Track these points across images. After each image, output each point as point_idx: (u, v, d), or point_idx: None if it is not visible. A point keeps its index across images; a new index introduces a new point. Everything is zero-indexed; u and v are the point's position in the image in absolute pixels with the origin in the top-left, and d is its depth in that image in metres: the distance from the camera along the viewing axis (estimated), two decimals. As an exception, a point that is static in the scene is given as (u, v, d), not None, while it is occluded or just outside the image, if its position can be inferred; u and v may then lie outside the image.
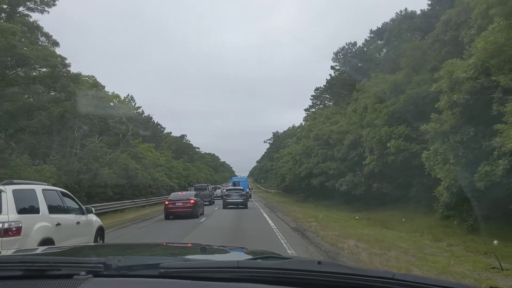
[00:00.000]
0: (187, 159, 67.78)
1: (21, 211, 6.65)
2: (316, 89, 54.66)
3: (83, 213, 9.02)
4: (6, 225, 6.30)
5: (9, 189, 6.63)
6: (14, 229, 6.36)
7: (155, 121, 65.05)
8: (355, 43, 37.95)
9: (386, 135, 16.31)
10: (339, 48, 39.42)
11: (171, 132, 72.86)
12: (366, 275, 1.41)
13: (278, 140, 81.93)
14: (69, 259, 1.69)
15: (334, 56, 39.29)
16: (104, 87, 35.17)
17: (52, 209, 7.60)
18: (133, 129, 46.57)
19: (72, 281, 1.40)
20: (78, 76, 25.17)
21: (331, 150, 27.05)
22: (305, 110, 56.08)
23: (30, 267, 1.52)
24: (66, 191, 8.94)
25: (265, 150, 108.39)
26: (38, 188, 7.50)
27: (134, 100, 58.92)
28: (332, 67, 39.46)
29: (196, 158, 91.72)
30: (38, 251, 2.09)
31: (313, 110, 55.89)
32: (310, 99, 55.27)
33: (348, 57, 37.29)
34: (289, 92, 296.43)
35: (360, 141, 22.53)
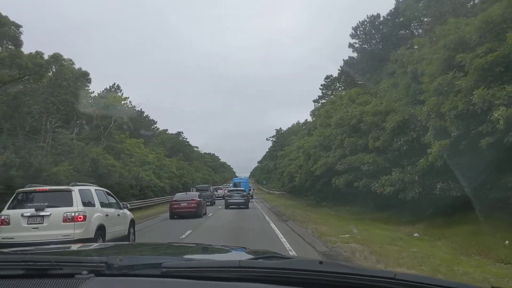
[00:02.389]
0: (182, 157, 60.14)
1: (84, 204, 9.03)
2: (327, 77, 47.76)
3: (120, 208, 11.34)
4: (76, 214, 8.74)
5: (76, 189, 9.13)
6: (81, 216, 8.78)
7: (145, 114, 56.69)
8: (378, 15, 29.98)
9: (482, 102, 7.67)
10: (359, 22, 32.39)
11: (167, 130, 65.00)
12: (367, 275, 1.38)
13: (282, 138, 75.28)
14: (71, 259, 1.68)
15: (352, 32, 32.33)
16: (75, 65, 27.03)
17: (102, 204, 10.02)
18: (116, 121, 40.77)
19: (74, 280, 1.39)
20: (17, 37, 16.54)
21: (362, 138, 18.31)
22: (314, 101, 48.53)
23: (32, 266, 1.50)
24: (109, 191, 11.43)
25: (267, 150, 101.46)
26: (92, 188, 10.16)
27: (121, 90, 50.10)
28: (350, 45, 31.90)
29: (194, 158, 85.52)
30: (40, 250, 2.15)
31: (323, 101, 47.43)
32: (320, 88, 48.28)
33: (375, 27, 29.12)
34: (291, 93, 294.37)
35: (415, 121, 17.51)
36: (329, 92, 50.04)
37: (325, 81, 51.11)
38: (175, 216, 21.88)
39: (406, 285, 1.30)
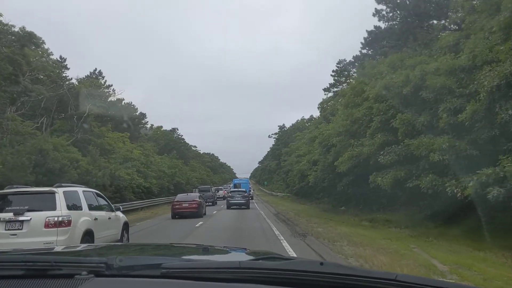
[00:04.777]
0: (176, 155, 52.51)
1: (69, 207, 8.30)
2: (339, 62, 40.13)
3: (112, 211, 10.57)
4: (60, 218, 7.90)
5: (60, 191, 8.33)
6: (66, 221, 7.99)
7: (134, 106, 49.33)
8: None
9: None
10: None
11: (161, 126, 59.54)
12: (368, 276, 1.36)
13: (285, 135, 67.45)
14: (70, 259, 1.67)
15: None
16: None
17: (91, 207, 9.28)
18: (92, 109, 33.79)
19: (73, 281, 1.39)
20: None
21: (423, 114, 8.73)
22: (325, 90, 40.96)
23: (32, 266, 1.50)
24: (99, 192, 10.89)
25: (269, 149, 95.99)
26: (80, 189, 9.41)
27: (104, 77, 42.86)
28: (376, 12, 24.26)
29: (192, 156, 77.74)
30: (39, 251, 2.02)
31: (335, 89, 39.28)
32: (331, 75, 40.30)
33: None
34: (292, 94, 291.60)
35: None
36: (343, 79, 42.33)
37: (337, 67, 44.01)
38: (176, 216, 23.15)
39: (407, 286, 1.31)
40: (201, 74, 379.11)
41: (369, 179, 20.18)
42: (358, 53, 41.98)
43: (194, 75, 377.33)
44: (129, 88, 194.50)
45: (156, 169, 47.73)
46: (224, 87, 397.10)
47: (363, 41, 37.10)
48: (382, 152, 16.82)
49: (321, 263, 1.42)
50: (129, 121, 51.37)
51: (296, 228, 18.49)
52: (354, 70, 44.34)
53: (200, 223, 21.12)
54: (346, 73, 46.85)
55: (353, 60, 46.23)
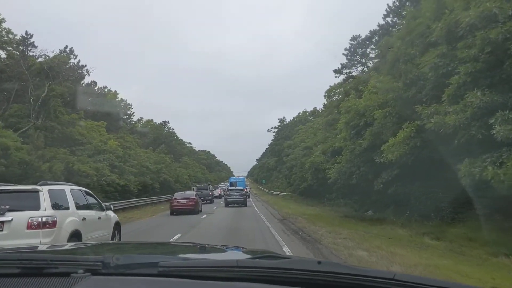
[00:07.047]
0: (165, 149, 44.92)
1: (55, 207, 7.63)
2: (353, 38, 32.43)
3: (102, 210, 10.01)
4: (44, 219, 7.15)
5: (45, 189, 7.63)
6: (51, 222, 7.28)
7: (115, 93, 42.21)
8: None
9: None
10: None
11: (152, 120, 53.72)
12: (366, 275, 1.33)
13: (286, 129, 59.86)
14: (67, 257, 1.66)
15: None
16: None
17: (78, 206, 8.66)
18: (54, 90, 27.46)
19: (69, 279, 1.36)
20: None
21: None
22: (335, 71, 33.22)
23: (28, 264, 1.48)
24: (89, 191, 10.23)
25: (267, 146, 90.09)
26: (67, 188, 8.71)
27: (76, 56, 35.67)
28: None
29: (185, 153, 70.06)
30: (35, 249, 2.07)
31: (348, 71, 31.70)
32: (344, 54, 32.63)
33: None
34: (291, 94, 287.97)
35: None
36: (358, 58, 35.03)
37: (351, 43, 36.49)
38: (174, 213, 24.06)
39: (406, 285, 1.28)
40: (200, 73, 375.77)
41: (426, 173, 13.14)
42: (377, 27, 35.06)
43: (193, 73, 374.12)
44: (125, 85, 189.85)
45: (137, 164, 40.66)
46: (223, 86, 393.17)
47: (384, 13, 30.11)
48: (492, 121, 10.22)
49: (319, 262, 1.39)
50: (107, 108, 44.10)
51: (319, 247, 12.23)
52: (372, 46, 37.25)
53: (178, 235, 15.39)
54: (361, 50, 39.95)
55: (370, 35, 39.27)
